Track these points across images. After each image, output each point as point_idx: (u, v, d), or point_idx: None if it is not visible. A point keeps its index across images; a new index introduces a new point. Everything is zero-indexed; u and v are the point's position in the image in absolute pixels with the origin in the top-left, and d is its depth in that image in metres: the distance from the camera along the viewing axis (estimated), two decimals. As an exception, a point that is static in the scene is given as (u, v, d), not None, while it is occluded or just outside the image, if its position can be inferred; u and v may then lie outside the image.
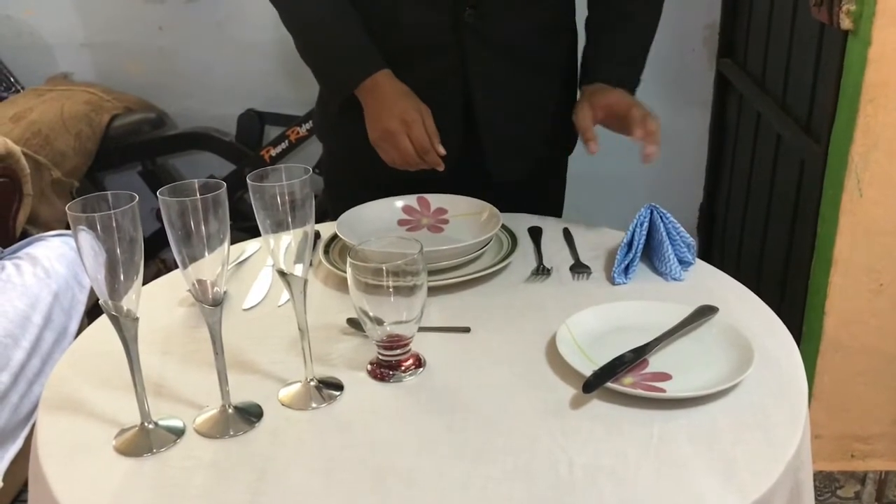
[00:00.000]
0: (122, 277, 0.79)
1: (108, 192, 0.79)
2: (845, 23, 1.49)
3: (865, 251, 1.61)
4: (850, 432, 1.77)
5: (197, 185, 0.81)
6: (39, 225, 2.13)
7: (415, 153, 1.28)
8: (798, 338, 1.70)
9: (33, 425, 0.95)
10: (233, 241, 1.28)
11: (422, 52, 1.33)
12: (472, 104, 1.36)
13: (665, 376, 0.91)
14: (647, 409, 0.86)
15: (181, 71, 2.66)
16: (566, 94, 1.45)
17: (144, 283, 1.18)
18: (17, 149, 1.97)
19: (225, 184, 0.82)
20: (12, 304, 1.70)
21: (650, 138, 1.26)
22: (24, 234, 2.02)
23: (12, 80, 2.62)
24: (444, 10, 1.30)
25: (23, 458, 1.54)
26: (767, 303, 1.09)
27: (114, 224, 0.76)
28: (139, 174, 2.64)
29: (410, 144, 1.27)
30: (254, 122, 2.59)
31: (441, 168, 1.29)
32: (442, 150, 1.27)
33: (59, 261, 1.87)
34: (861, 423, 1.75)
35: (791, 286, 1.84)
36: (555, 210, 1.57)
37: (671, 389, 0.88)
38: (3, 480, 1.58)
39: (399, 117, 1.26)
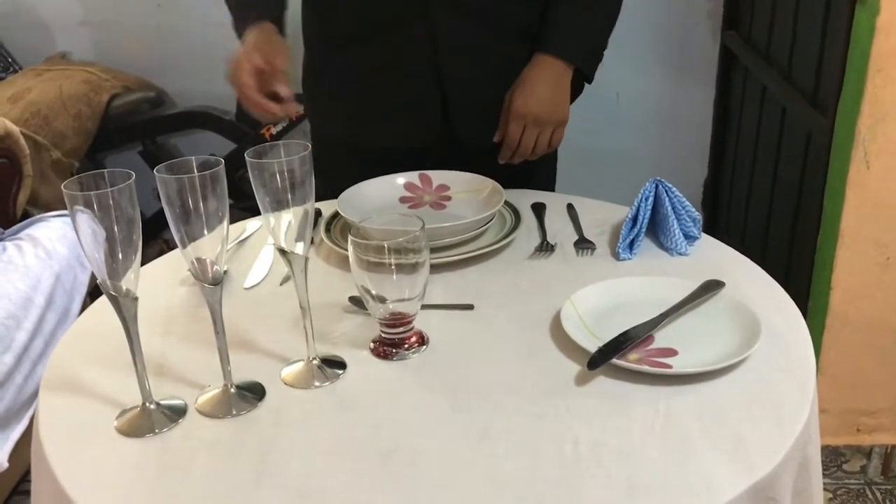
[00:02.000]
0: (120, 257, 0.78)
1: (105, 171, 0.77)
2: (853, -8, 1.46)
3: (873, 224, 1.59)
4: (856, 406, 1.76)
5: (195, 163, 0.80)
6: (40, 206, 2.12)
7: (251, 89, 1.20)
8: (804, 312, 1.67)
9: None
10: (234, 220, 1.27)
11: (390, 22, 1.31)
12: (442, 73, 1.34)
13: (671, 352, 0.90)
14: (653, 385, 0.85)
15: (180, 49, 2.64)
16: None
17: (148, 263, 1.18)
18: (16, 129, 1.96)
19: (223, 160, 0.80)
20: (14, 285, 1.70)
21: (504, 149, 1.35)
22: (25, 215, 2.01)
23: (10, 59, 2.60)
24: None
25: (28, 439, 1.54)
26: (774, 277, 1.08)
27: (111, 202, 0.75)
28: (139, 154, 2.62)
29: (247, 79, 1.20)
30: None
31: (292, 112, 1.25)
32: (285, 91, 1.20)
33: (60, 242, 1.86)
34: (867, 397, 1.75)
35: (797, 260, 1.83)
36: (547, 180, 1.54)
37: (677, 365, 0.87)
38: (9, 461, 1.58)
39: (245, 52, 1.21)
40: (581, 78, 1.39)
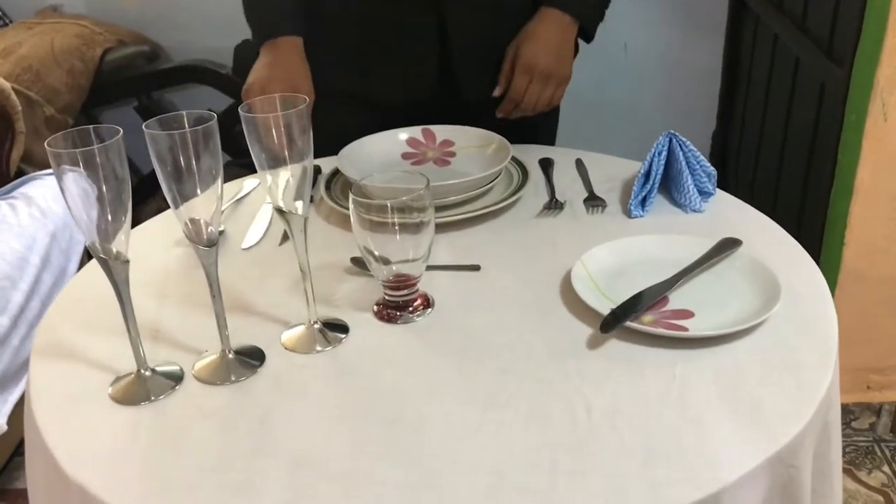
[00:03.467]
0: (109, 218, 0.74)
1: (91, 126, 0.73)
2: (875, -65, 1.40)
3: (889, 179, 1.55)
4: (866, 364, 1.73)
5: (186, 118, 0.76)
6: (34, 164, 2.07)
7: None
8: (816, 269, 1.66)
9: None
10: (232, 177, 1.23)
11: None
12: (446, 27, 1.30)
13: (687, 314, 0.86)
14: (668, 348, 0.82)
15: (174, 2, 2.57)
16: None
17: (145, 222, 1.14)
18: (7, 85, 1.90)
19: (216, 115, 0.76)
20: (9, 245, 1.66)
21: (506, 102, 1.31)
22: (20, 174, 1.96)
23: (0, 13, 2.53)
24: None
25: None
26: (783, 233, 1.04)
27: (98, 160, 0.71)
28: (135, 109, 2.57)
29: None
30: (250, 53, 2.50)
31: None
32: None
33: (55, 200, 1.82)
34: (878, 354, 1.72)
35: (809, 215, 1.78)
36: (548, 138, 1.50)
37: (693, 328, 0.83)
38: (8, 424, 1.56)
39: (261, 83, 1.20)
40: (582, 36, 1.35)
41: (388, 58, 1.34)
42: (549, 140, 1.49)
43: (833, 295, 1.64)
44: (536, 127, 1.39)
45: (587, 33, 1.36)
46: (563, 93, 1.35)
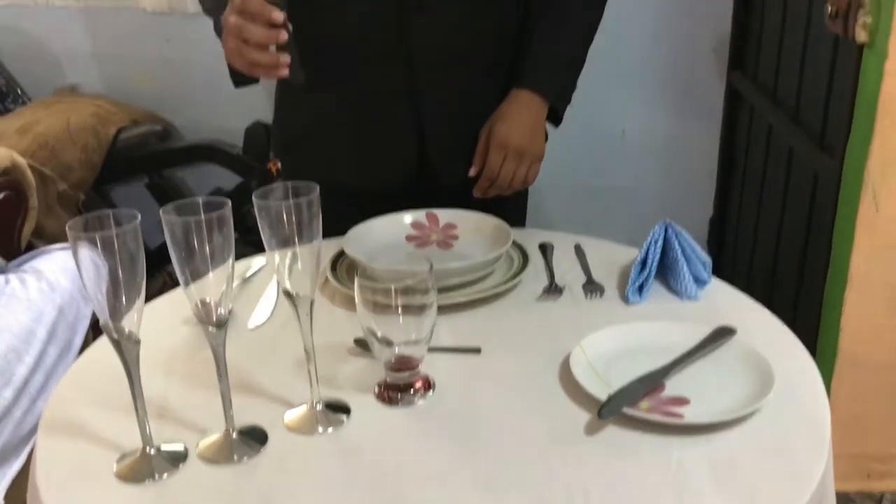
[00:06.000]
0: (123, 299, 0.77)
1: (111, 211, 0.77)
2: (861, 36, 1.46)
3: (882, 267, 1.58)
4: (866, 451, 1.73)
5: (201, 203, 0.79)
6: (45, 237, 2.12)
7: (247, 45, 1.11)
8: (812, 354, 1.67)
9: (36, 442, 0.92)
10: (239, 255, 1.25)
11: (368, 59, 1.32)
12: (420, 110, 1.35)
13: (683, 401, 0.88)
14: (665, 435, 0.83)
15: (188, 83, 2.66)
16: None
17: (150, 297, 1.16)
18: (22, 161, 1.96)
19: (230, 201, 0.79)
20: (16, 318, 1.68)
21: (482, 181, 1.35)
22: (30, 247, 2.00)
23: (19, 91, 2.61)
24: (390, 16, 1.28)
25: (26, 476, 1.52)
26: (781, 318, 1.06)
27: (115, 243, 0.74)
28: (146, 186, 2.62)
29: (240, 41, 1.11)
30: (261, 134, 2.58)
31: (285, 64, 1.11)
32: (278, 17, 1.08)
33: (63, 274, 1.85)
34: (878, 442, 1.72)
35: (805, 302, 1.81)
36: (519, 216, 1.53)
37: (689, 415, 0.85)
38: (5, 499, 1.55)
39: (226, 30, 1.13)
40: (551, 119, 1.41)
41: (367, 150, 1.38)
42: (520, 221, 1.53)
43: (831, 381, 1.67)
44: (504, 209, 1.39)
45: (556, 116, 1.41)
46: (538, 171, 1.39)
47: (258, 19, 1.09)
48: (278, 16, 1.08)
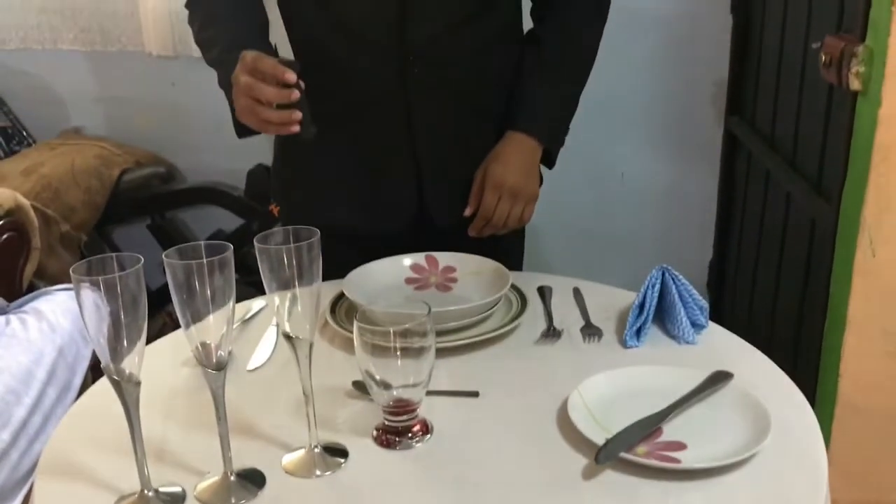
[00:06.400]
0: (125, 341, 0.78)
1: (114, 254, 0.78)
2: (854, 84, 1.49)
3: (880, 312, 1.58)
4: (867, 498, 1.72)
5: (203, 247, 0.80)
6: (47, 278, 2.13)
7: (259, 104, 1.12)
8: (812, 400, 1.66)
9: (32, 484, 0.92)
10: (240, 296, 1.26)
11: (367, 103, 1.34)
12: (418, 157, 1.37)
13: (680, 445, 0.88)
14: (662, 480, 0.83)
15: (192, 126, 2.69)
16: None
17: (150, 337, 1.17)
18: (26, 202, 1.98)
19: (231, 246, 0.81)
20: (16, 359, 1.69)
21: (477, 220, 1.36)
22: (32, 288, 2.01)
23: (25, 133, 2.65)
24: (389, 62, 1.30)
25: (21, 518, 1.51)
26: (779, 363, 1.07)
27: (118, 287, 0.75)
28: (148, 227, 2.64)
29: (252, 99, 1.12)
30: (263, 176, 2.60)
31: (297, 118, 1.12)
32: (291, 77, 1.09)
33: (64, 315, 1.86)
34: (879, 488, 1.71)
35: (804, 347, 1.81)
36: (517, 258, 1.54)
37: (686, 459, 0.85)
38: (0, 541, 1.54)
39: (237, 89, 1.15)
40: (544, 162, 1.43)
41: (366, 196, 1.40)
42: (517, 263, 1.54)
43: (831, 427, 1.66)
44: (503, 250, 1.41)
45: (549, 159, 1.43)
46: (532, 211, 1.40)
47: (269, 79, 1.10)
48: (291, 76, 1.09)
